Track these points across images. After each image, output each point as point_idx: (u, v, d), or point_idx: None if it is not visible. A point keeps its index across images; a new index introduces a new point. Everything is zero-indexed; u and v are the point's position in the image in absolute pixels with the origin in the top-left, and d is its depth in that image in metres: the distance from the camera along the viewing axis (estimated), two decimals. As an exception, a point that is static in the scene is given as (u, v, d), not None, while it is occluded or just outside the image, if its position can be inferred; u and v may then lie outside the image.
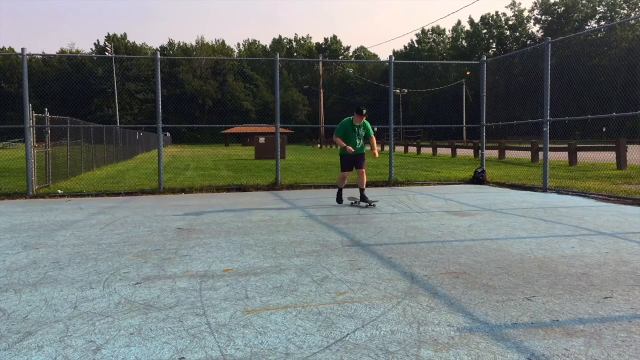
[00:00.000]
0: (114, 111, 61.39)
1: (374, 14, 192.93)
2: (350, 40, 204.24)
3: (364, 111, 8.39)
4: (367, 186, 12.56)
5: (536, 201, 8.98)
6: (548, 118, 10.51)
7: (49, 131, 12.07)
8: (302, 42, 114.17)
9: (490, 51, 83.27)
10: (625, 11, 75.18)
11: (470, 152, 27.95)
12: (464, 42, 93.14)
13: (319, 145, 54.66)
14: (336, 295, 3.61)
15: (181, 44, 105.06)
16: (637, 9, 72.48)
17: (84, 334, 2.92)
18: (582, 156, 18.38)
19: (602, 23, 74.84)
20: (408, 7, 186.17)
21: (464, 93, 61.68)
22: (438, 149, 31.86)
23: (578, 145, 18.78)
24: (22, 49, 10.40)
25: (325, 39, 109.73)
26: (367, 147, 8.88)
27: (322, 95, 58.54)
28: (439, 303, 3.42)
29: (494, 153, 24.49)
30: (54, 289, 3.84)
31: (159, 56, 11.30)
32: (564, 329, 2.94)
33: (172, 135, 70.48)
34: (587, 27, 72.48)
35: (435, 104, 78.74)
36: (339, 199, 8.91)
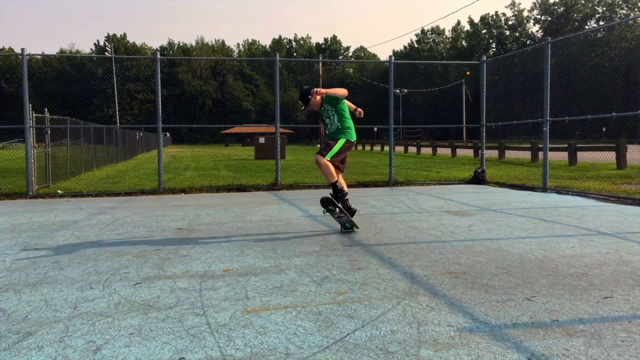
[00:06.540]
0: (113, 111, 61.42)
1: (374, 14, 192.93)
2: (350, 40, 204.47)
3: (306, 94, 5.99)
4: (367, 186, 12.57)
5: (536, 201, 8.98)
6: (548, 118, 10.51)
7: (49, 131, 12.08)
8: (302, 42, 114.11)
9: (490, 51, 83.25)
10: (624, 11, 75.21)
11: (470, 152, 27.95)
12: (463, 42, 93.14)
13: (318, 145, 54.62)
14: (336, 295, 3.61)
15: (181, 44, 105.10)
16: (636, 9, 72.50)
17: (84, 334, 2.92)
18: (582, 156, 18.37)
19: (602, 23, 74.84)
20: (408, 7, 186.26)
21: (463, 93, 61.72)
22: (438, 149, 31.87)
23: (578, 145, 18.78)
24: (22, 49, 10.40)
25: (325, 39, 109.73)
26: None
27: (322, 95, 58.35)
28: (439, 303, 3.42)
29: (494, 153, 24.48)
30: (54, 289, 3.84)
31: (158, 56, 11.29)
32: (564, 329, 2.94)
33: (172, 136, 70.48)
34: (586, 27, 72.49)
35: (435, 104, 78.75)
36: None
